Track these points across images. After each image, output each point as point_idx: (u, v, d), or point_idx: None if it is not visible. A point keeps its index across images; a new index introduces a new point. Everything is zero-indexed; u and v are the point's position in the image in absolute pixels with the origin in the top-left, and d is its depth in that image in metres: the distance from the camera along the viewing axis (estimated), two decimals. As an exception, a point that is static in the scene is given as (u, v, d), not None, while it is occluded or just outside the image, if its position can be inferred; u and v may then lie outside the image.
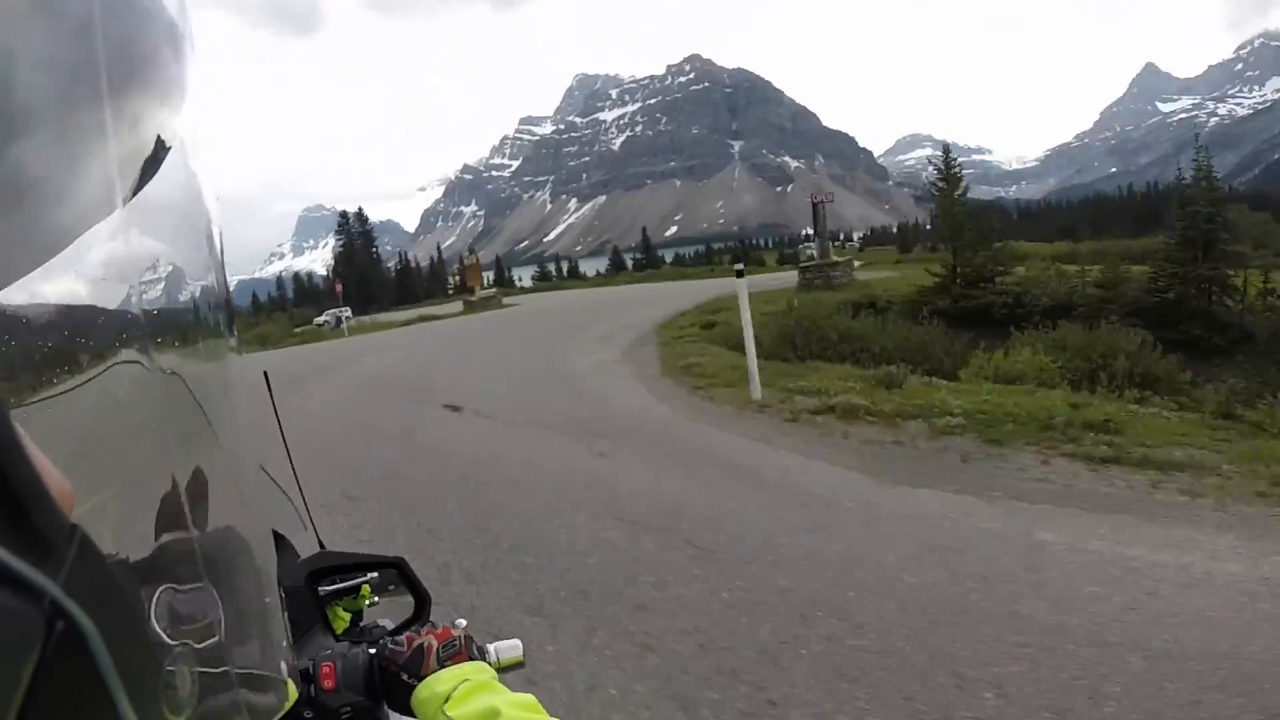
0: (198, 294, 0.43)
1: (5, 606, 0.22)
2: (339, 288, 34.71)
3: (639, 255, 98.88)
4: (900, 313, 17.19)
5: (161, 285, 0.38)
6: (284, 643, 0.58)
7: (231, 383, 0.50)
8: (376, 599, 1.21)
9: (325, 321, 44.81)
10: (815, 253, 28.77)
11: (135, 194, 0.35)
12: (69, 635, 0.24)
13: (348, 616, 1.25)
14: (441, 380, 11.39)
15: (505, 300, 38.69)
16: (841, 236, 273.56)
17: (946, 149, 25.82)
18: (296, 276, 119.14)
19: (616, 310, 21.93)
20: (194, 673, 0.35)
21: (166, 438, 0.37)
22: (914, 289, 20.49)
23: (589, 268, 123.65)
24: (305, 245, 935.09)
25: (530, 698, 0.77)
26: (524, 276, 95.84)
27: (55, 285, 0.30)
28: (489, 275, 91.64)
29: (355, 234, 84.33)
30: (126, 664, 0.27)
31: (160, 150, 0.38)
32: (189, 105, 0.41)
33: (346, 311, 44.96)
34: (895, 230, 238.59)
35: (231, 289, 0.51)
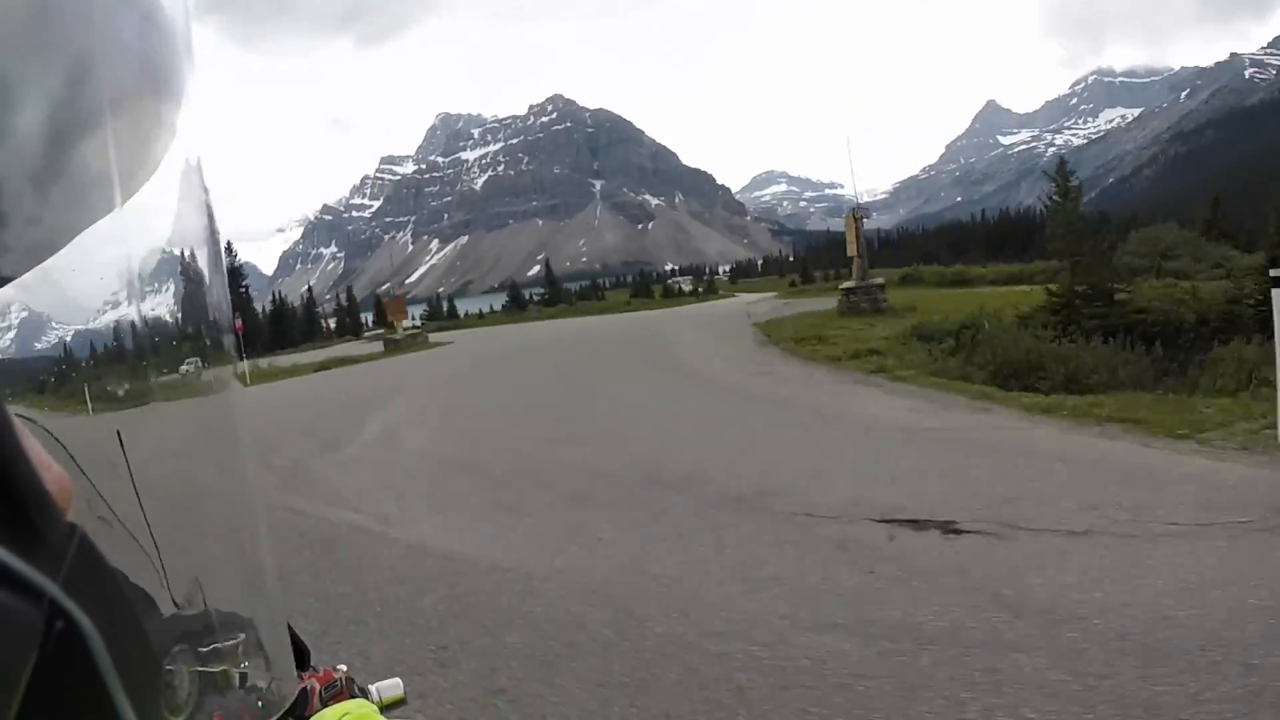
0: (200, 301, 0.41)
1: (5, 606, 0.21)
2: (239, 325, 30.02)
3: (543, 289, 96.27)
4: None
5: (160, 289, 0.37)
6: (287, 642, 0.59)
7: (233, 405, 0.46)
8: None
9: (205, 370, 39.61)
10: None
11: (134, 194, 0.34)
12: (69, 635, 0.24)
13: None
14: (688, 466, 6.76)
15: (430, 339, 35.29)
16: (708, 270, 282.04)
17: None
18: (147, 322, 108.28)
19: (626, 343, 18.86)
20: (194, 673, 0.34)
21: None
22: (1032, 307, 19.06)
23: (471, 306, 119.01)
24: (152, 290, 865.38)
25: None
26: (414, 314, 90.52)
27: (52, 284, 0.29)
28: (368, 316, 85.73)
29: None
30: (126, 664, 0.26)
31: (160, 150, 0.37)
32: (189, 104, 0.40)
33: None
34: (760, 264, 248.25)
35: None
